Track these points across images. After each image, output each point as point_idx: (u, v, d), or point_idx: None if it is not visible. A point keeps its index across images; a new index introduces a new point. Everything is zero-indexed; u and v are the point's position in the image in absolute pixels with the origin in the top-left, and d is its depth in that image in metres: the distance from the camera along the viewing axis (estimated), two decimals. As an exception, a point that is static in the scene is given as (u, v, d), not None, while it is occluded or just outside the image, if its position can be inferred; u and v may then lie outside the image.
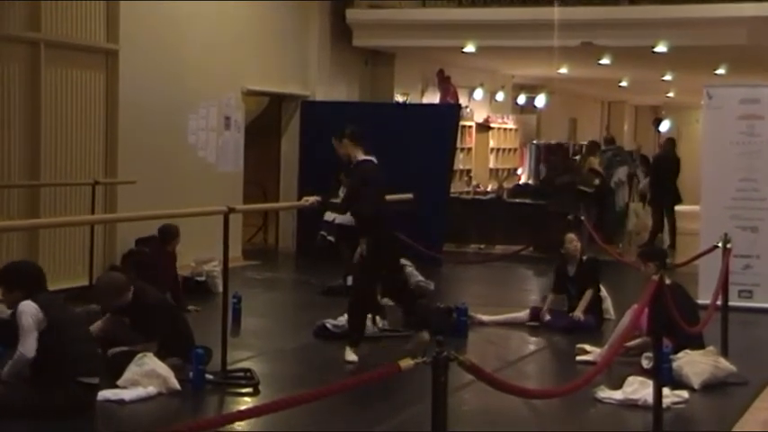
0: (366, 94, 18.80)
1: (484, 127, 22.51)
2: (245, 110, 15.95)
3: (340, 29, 17.52)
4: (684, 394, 8.00)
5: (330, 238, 13.00)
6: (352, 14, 17.42)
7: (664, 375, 7.41)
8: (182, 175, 14.13)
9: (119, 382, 7.77)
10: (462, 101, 20.49)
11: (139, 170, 13.06)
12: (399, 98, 19.12)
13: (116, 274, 9.29)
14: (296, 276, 15.50)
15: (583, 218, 14.12)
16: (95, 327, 8.41)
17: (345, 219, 10.51)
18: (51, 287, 7.90)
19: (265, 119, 17.42)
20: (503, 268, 15.42)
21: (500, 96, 23.27)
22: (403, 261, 11.26)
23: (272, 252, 17.09)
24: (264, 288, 13.61)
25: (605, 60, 18.72)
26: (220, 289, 9.58)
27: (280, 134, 17.33)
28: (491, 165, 22.97)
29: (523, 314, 11.12)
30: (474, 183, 21.56)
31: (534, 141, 23.71)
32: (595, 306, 10.98)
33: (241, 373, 8.39)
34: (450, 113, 17.55)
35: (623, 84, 24.85)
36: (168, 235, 11.40)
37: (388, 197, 9.79)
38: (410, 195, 11.01)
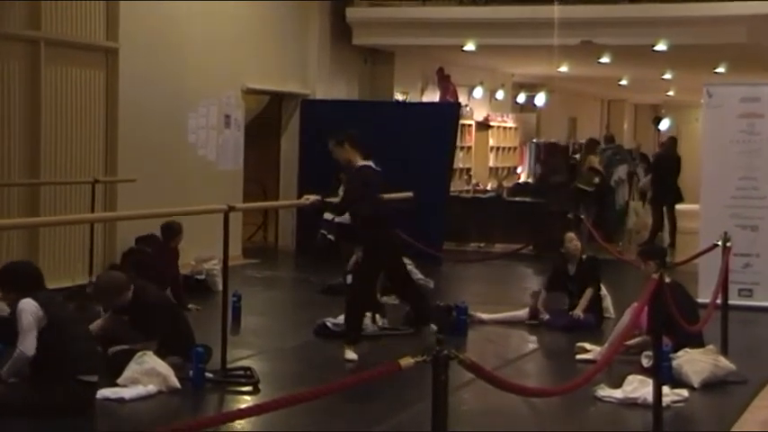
0: (366, 92, 18.80)
1: (484, 125, 22.51)
2: (245, 108, 15.95)
3: (340, 27, 17.52)
4: (684, 393, 8.00)
5: (330, 236, 13.00)
6: (351, 13, 17.41)
7: (663, 374, 7.42)
8: (182, 173, 14.13)
9: (119, 381, 7.77)
10: (462, 99, 20.49)
11: (139, 168, 13.06)
12: (399, 97, 19.12)
13: (116, 273, 9.29)
14: (296, 275, 15.50)
15: (582, 216, 14.12)
16: (96, 325, 8.41)
17: (345, 217, 10.53)
18: (51, 286, 7.91)
19: (265, 117, 17.42)
20: (502, 267, 15.42)
21: (500, 95, 23.27)
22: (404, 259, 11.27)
23: (272, 250, 17.09)
24: (264, 286, 13.61)
25: (605, 59, 18.72)
26: (220, 287, 9.58)
27: (280, 133, 17.33)
28: (491, 163, 22.97)
29: (523, 312, 11.12)
30: (474, 181, 21.56)
31: (534, 140, 23.71)
32: (595, 305, 10.99)
33: (241, 372, 8.40)
34: (449, 112, 17.54)
35: (623, 82, 24.85)
36: (171, 231, 11.41)
37: (388, 196, 9.79)
38: (410, 194, 11.00)
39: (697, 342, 8.76)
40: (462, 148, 20.81)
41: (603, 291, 11.29)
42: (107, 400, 7.51)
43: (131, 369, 7.85)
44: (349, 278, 11.45)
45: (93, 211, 12.18)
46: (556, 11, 15.74)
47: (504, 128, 23.52)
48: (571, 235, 11.25)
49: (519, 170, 23.79)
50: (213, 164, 15.03)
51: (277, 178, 17.22)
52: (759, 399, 8.22)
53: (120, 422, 7.33)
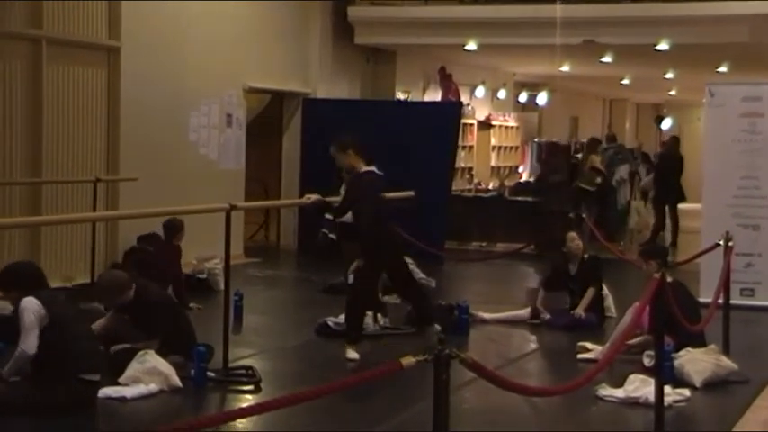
0: (367, 91, 18.80)
1: (485, 125, 22.50)
2: (247, 107, 15.95)
3: (341, 26, 17.52)
4: (686, 392, 7.99)
5: (332, 235, 12.98)
6: (353, 12, 17.41)
7: (665, 373, 7.41)
8: (183, 172, 14.14)
9: (120, 380, 7.77)
10: (464, 99, 20.47)
11: (141, 167, 13.07)
12: (401, 96, 19.12)
13: (118, 271, 9.29)
14: (297, 274, 15.50)
15: (584, 216, 14.11)
16: (98, 324, 8.42)
17: (347, 217, 10.51)
18: (52, 284, 7.91)
19: (267, 116, 17.42)
20: (504, 266, 15.41)
21: (502, 94, 23.27)
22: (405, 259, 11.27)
23: (274, 249, 17.09)
24: (266, 285, 13.61)
25: (607, 58, 18.71)
26: (222, 286, 9.59)
27: (281, 132, 17.33)
28: (492, 163, 22.97)
29: (525, 312, 11.11)
30: (475, 181, 21.56)
31: (536, 139, 23.70)
32: (597, 304, 10.99)
33: (242, 371, 8.40)
34: (451, 111, 17.53)
35: (625, 82, 24.84)
36: (173, 229, 11.41)
37: (389, 195, 9.79)
38: (411, 193, 11.00)
39: (699, 342, 8.75)
40: (464, 147, 20.81)
41: (605, 290, 11.29)
42: (109, 398, 7.51)
43: (133, 368, 7.85)
44: (350, 278, 11.46)
45: (94, 209, 12.19)
46: (558, 10, 15.74)
47: (506, 127, 23.52)
48: (573, 234, 11.24)
49: (521, 169, 23.79)
50: (215, 163, 15.03)
51: (279, 177, 17.22)
52: (761, 398, 8.22)
53: (121, 421, 7.33)
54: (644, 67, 21.36)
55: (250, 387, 8.12)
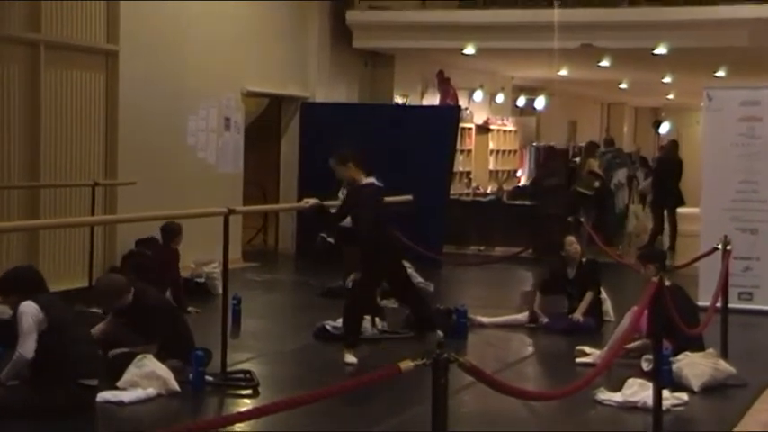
0: (366, 95, 18.80)
1: (483, 129, 22.51)
2: (245, 111, 15.95)
3: (340, 30, 17.53)
4: (684, 396, 7.99)
5: (330, 239, 13.01)
6: (351, 16, 17.42)
7: (663, 377, 7.41)
8: (181, 176, 14.13)
9: (118, 384, 7.77)
10: (462, 102, 20.49)
11: (139, 171, 13.06)
12: (399, 100, 19.12)
13: (116, 275, 9.28)
14: (295, 278, 15.50)
15: (582, 220, 14.11)
16: (97, 329, 8.41)
17: (346, 221, 10.51)
18: (51, 288, 7.90)
19: (265, 120, 17.42)
20: (502, 270, 15.42)
21: (500, 98, 23.28)
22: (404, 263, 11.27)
23: (272, 253, 17.08)
24: (264, 289, 13.61)
25: (605, 62, 18.73)
26: (220, 290, 9.58)
27: (279, 135, 17.33)
28: (491, 167, 22.97)
29: (523, 316, 11.12)
30: (474, 185, 21.56)
31: (534, 143, 23.71)
32: (595, 308, 10.98)
33: (241, 375, 8.39)
34: (449, 115, 17.55)
35: (623, 86, 24.85)
36: (171, 233, 11.41)
37: (388, 199, 9.80)
38: (410, 197, 11.00)
39: (697, 345, 8.75)
40: (462, 151, 20.81)
41: (603, 294, 11.29)
42: (107, 402, 7.50)
43: (131, 372, 7.85)
44: (349, 282, 11.47)
45: (93, 213, 12.18)
46: (556, 14, 15.75)
47: (504, 131, 23.52)
48: (571, 238, 11.25)
49: (519, 173, 23.79)
50: (213, 167, 15.03)
51: (277, 181, 17.21)
52: (759, 402, 8.22)
53: (119, 425, 7.32)
54: (642, 71, 21.38)
55: (248, 391, 8.11)
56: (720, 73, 20.14)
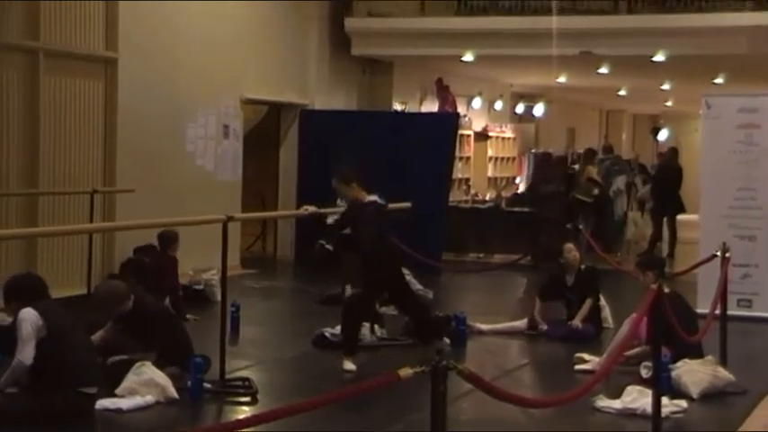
0: (364, 102, 18.82)
1: (482, 136, 22.52)
2: (244, 118, 15.96)
3: (339, 38, 17.54)
4: (683, 404, 7.99)
5: (328, 246, 13.00)
6: (350, 23, 17.43)
7: (662, 385, 7.41)
8: (180, 183, 14.13)
9: (117, 391, 7.76)
10: (461, 110, 20.49)
11: (138, 179, 13.06)
12: (398, 107, 19.13)
13: (116, 282, 9.27)
14: (294, 285, 15.48)
15: (581, 227, 14.11)
16: (97, 336, 8.39)
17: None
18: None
19: (264, 127, 17.43)
20: (501, 277, 15.41)
21: (498, 105, 23.29)
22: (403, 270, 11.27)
23: (271, 261, 17.08)
24: (263, 297, 13.60)
25: (604, 69, 18.74)
26: (219, 298, 9.57)
27: (278, 143, 17.34)
28: (489, 174, 22.97)
29: (522, 323, 11.11)
30: (472, 192, 21.57)
31: (533, 150, 23.72)
32: (594, 315, 10.98)
33: (239, 382, 8.38)
34: (448, 122, 17.56)
35: (622, 93, 24.87)
36: (168, 240, 11.40)
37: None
38: (408, 204, 11.00)
39: (696, 353, 8.75)
40: (461, 158, 20.82)
41: (602, 301, 11.29)
42: (105, 410, 7.49)
43: (129, 379, 7.84)
44: (348, 289, 11.47)
45: (91, 221, 12.17)
46: (554, 21, 15.76)
47: (503, 138, 23.54)
48: (570, 246, 11.24)
49: (518, 180, 23.80)
50: (212, 174, 15.02)
51: (276, 188, 17.21)
52: (758, 409, 8.21)
53: (118, 432, 7.33)
54: (641, 79, 21.39)
55: (247, 398, 8.10)
56: (719, 80, 20.15)
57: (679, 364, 8.53)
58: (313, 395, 5.36)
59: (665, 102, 28.47)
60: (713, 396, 8.37)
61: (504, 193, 21.25)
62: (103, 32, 12.97)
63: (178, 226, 11.23)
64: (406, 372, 4.67)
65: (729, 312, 9.72)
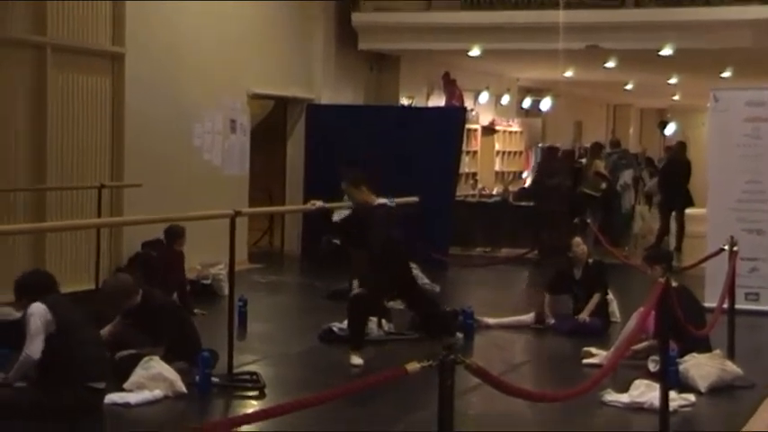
0: (371, 97, 18.81)
1: (489, 130, 22.51)
2: (251, 113, 15.96)
3: (345, 32, 17.53)
4: (691, 397, 7.98)
5: (335, 241, 12.97)
6: (357, 18, 17.42)
7: (670, 378, 7.41)
8: (187, 178, 14.14)
9: (125, 386, 7.77)
10: (468, 104, 20.49)
11: (145, 173, 13.07)
12: (405, 101, 19.13)
13: (124, 276, 9.27)
14: (301, 280, 15.50)
15: (589, 221, 14.11)
16: (106, 330, 8.40)
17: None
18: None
19: (271, 122, 17.43)
20: (508, 271, 15.42)
21: (505, 99, 23.28)
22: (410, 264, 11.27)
23: (278, 255, 17.09)
24: (270, 291, 13.61)
25: (611, 63, 18.72)
26: (226, 292, 9.59)
27: (285, 138, 17.33)
28: (496, 168, 22.97)
29: (529, 317, 11.11)
30: (479, 186, 21.56)
31: (540, 144, 23.70)
32: (602, 309, 10.97)
33: (247, 377, 8.40)
34: (455, 117, 17.55)
35: (629, 87, 24.84)
36: (174, 235, 11.41)
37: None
38: (415, 198, 11.00)
39: (704, 346, 8.74)
40: (468, 152, 20.82)
41: (610, 295, 11.28)
42: (114, 404, 7.51)
43: (138, 374, 7.85)
44: (355, 284, 11.45)
45: (99, 216, 12.17)
46: (561, 15, 15.74)
47: (510, 132, 23.53)
48: (578, 240, 11.24)
49: (525, 175, 23.78)
50: (219, 169, 15.04)
51: (283, 183, 17.22)
52: (766, 403, 8.20)
53: (126, 427, 7.33)
54: (648, 73, 21.37)
55: (255, 393, 8.11)
56: (726, 74, 20.12)
57: (687, 357, 8.53)
58: (320, 390, 5.37)
59: (673, 96, 28.43)
60: (721, 390, 8.37)
61: (511, 188, 21.23)
62: (110, 28, 12.97)
63: (185, 221, 11.24)
64: (413, 366, 4.68)
65: (737, 306, 9.72)
